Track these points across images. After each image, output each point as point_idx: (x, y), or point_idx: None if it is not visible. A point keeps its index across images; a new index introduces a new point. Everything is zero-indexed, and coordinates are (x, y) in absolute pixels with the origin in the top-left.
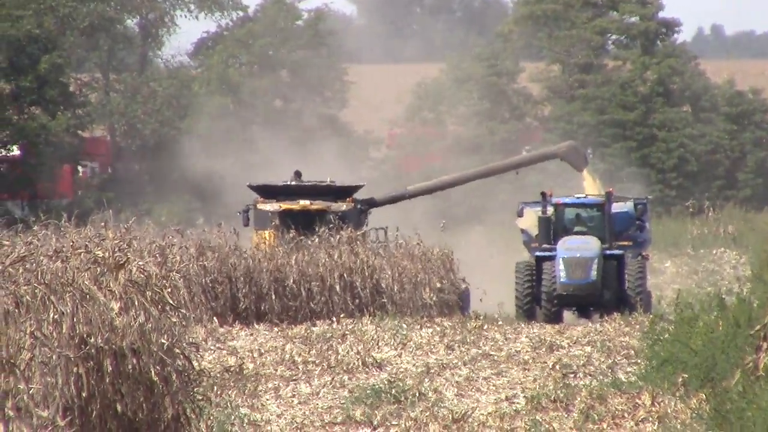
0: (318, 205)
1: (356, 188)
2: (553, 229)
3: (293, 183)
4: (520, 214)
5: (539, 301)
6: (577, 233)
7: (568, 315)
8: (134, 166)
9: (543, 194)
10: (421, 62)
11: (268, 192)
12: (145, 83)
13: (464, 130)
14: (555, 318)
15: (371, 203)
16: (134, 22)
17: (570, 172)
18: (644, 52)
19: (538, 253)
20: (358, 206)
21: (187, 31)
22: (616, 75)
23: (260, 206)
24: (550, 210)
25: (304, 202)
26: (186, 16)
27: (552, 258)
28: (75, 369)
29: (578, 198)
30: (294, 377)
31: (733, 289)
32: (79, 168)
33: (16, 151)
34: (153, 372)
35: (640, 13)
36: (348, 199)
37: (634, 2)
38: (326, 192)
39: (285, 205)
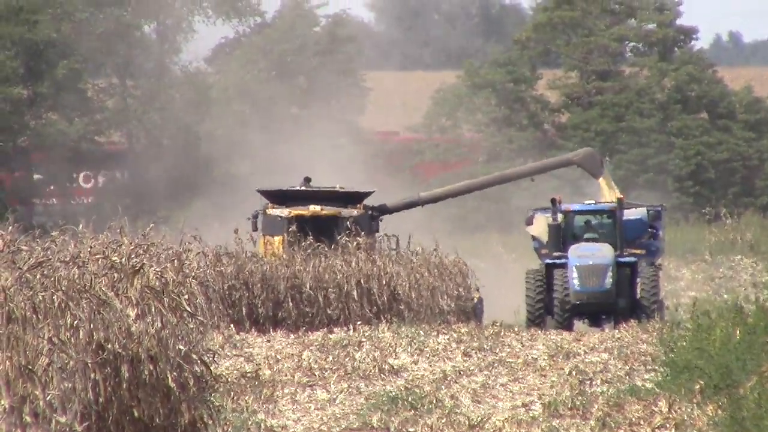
0: (328, 210)
1: (367, 194)
2: (563, 236)
3: (303, 188)
4: (529, 222)
5: (550, 309)
6: (587, 240)
7: (578, 324)
8: (150, 173)
9: (553, 200)
10: (438, 69)
11: (277, 197)
12: (162, 89)
13: (481, 137)
14: (565, 327)
15: (383, 209)
16: (151, 28)
17: (587, 178)
18: (662, 59)
19: (548, 261)
20: (369, 212)
21: (204, 38)
22: (633, 82)
23: (270, 211)
24: (560, 217)
25: (314, 208)
26: (204, 22)
27: (563, 266)
28: (92, 375)
29: (588, 204)
30: (310, 383)
31: (750, 296)
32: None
33: None
34: (170, 378)
35: (657, 21)
36: (358, 204)
37: (652, 10)
38: (336, 197)
39: (295, 211)
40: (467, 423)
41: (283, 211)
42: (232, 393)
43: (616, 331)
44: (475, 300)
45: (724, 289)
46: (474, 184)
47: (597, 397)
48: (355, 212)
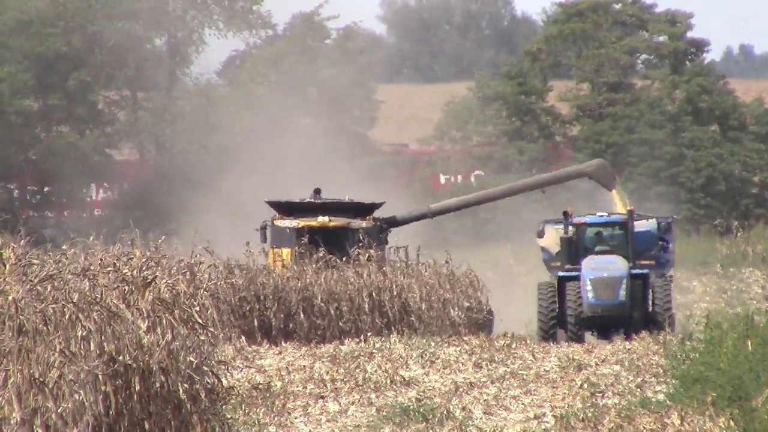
0: (337, 222)
1: (376, 206)
2: (574, 248)
3: (312, 200)
4: (540, 235)
5: (562, 322)
6: (599, 252)
7: (588, 336)
8: (161, 185)
9: (565, 213)
10: (449, 81)
11: (286, 209)
12: (173, 101)
13: (492, 149)
14: (577, 340)
15: (392, 222)
16: (162, 41)
17: (600, 190)
18: (673, 71)
19: (561, 274)
20: (378, 224)
21: (215, 50)
22: (644, 94)
23: (278, 223)
24: (571, 229)
25: (322, 219)
26: (214, 35)
27: (576, 278)
28: (103, 387)
29: (600, 216)
30: (322, 395)
31: (762, 308)
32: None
33: None
34: (181, 390)
35: (669, 33)
36: (368, 216)
37: (663, 22)
38: (346, 209)
39: (303, 222)
40: None
41: (292, 223)
42: (243, 405)
43: (628, 343)
44: (485, 312)
45: (736, 301)
46: (484, 195)
47: (609, 410)
48: (364, 224)
